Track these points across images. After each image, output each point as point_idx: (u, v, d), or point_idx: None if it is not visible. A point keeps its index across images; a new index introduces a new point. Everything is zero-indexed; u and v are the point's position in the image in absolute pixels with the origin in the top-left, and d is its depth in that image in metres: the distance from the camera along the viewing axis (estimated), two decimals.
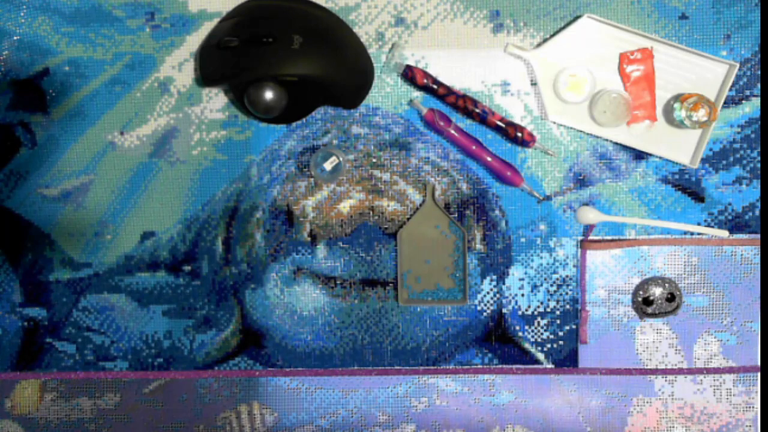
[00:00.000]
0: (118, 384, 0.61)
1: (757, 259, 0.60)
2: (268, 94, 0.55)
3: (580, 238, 0.60)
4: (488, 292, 0.60)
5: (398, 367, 0.61)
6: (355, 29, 0.59)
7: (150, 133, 0.60)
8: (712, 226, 0.60)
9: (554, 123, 0.59)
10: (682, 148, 0.59)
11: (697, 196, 0.60)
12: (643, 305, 0.60)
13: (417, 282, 0.60)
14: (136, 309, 0.61)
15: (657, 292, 0.59)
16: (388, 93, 0.59)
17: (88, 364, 0.61)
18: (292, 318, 0.61)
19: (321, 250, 0.60)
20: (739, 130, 0.59)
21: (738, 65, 0.57)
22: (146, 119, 0.60)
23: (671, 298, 0.59)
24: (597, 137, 0.59)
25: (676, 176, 0.59)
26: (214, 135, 0.60)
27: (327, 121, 0.59)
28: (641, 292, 0.59)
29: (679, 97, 0.57)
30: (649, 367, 0.61)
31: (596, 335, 0.60)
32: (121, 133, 0.60)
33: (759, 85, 0.59)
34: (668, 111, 0.58)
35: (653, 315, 0.60)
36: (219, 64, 0.56)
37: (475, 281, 0.60)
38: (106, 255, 0.60)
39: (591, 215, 0.59)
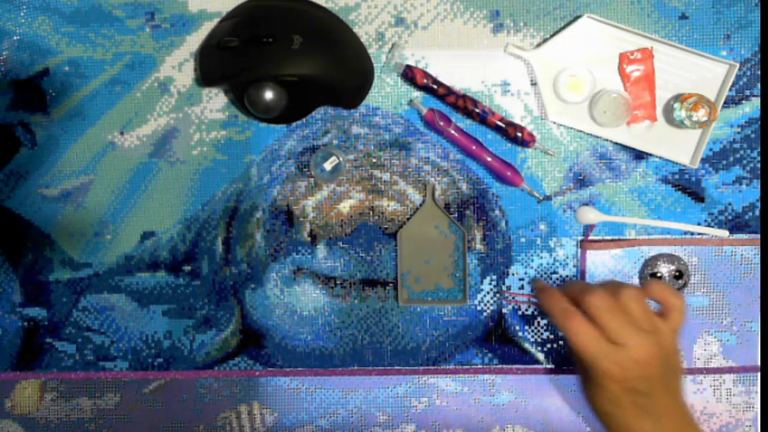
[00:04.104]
0: (118, 384, 0.61)
1: (757, 259, 0.60)
2: (268, 94, 0.55)
3: (580, 238, 0.60)
4: (488, 292, 0.60)
5: (398, 367, 0.61)
6: (355, 29, 0.59)
7: (150, 133, 0.60)
8: (712, 226, 0.60)
9: (554, 123, 0.59)
10: (682, 148, 0.59)
11: (697, 196, 0.60)
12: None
13: (417, 282, 0.60)
14: (136, 309, 0.61)
15: (664, 270, 0.59)
16: (388, 93, 0.59)
17: (88, 364, 0.61)
18: (292, 318, 0.61)
19: (321, 250, 0.60)
20: (739, 130, 0.59)
21: (738, 65, 0.57)
22: (146, 119, 0.60)
23: (679, 275, 0.59)
24: (597, 137, 0.59)
25: (676, 176, 0.59)
26: (214, 135, 0.60)
27: (327, 121, 0.59)
28: (649, 268, 0.59)
29: (679, 97, 0.57)
30: None
31: None
32: (121, 133, 0.60)
33: (759, 85, 0.59)
34: (668, 111, 0.58)
35: None
36: (219, 64, 0.56)
37: (475, 281, 0.60)
38: (106, 255, 0.60)
39: (591, 215, 0.59)
